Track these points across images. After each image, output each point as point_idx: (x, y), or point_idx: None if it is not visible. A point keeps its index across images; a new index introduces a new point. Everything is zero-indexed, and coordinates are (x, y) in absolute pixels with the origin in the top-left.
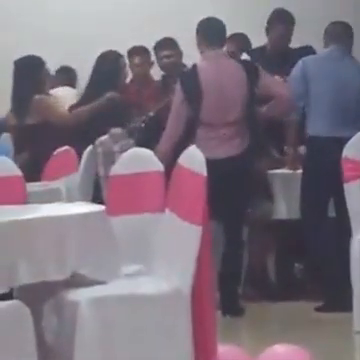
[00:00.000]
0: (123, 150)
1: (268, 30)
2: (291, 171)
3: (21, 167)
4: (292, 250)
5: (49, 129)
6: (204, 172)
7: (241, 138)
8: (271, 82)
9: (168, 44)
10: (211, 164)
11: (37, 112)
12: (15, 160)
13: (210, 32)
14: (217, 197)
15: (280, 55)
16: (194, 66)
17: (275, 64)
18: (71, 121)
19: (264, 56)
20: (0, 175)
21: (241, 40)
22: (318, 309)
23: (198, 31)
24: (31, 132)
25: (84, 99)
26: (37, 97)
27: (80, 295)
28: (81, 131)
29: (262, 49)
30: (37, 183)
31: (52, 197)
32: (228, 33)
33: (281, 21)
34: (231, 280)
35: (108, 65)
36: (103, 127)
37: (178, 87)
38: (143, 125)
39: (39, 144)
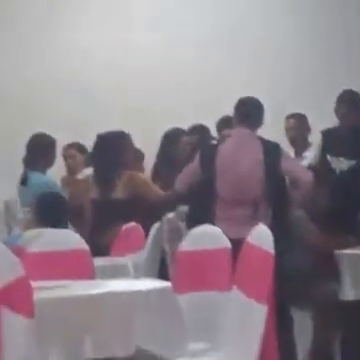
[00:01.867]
0: (190, 227)
1: (336, 110)
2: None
3: (110, 240)
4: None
5: (141, 204)
6: (272, 250)
7: (259, 220)
8: (292, 165)
9: (230, 122)
10: None
11: (129, 187)
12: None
13: (239, 110)
14: None
15: (351, 134)
16: (218, 142)
17: (346, 144)
18: (163, 200)
19: (336, 136)
20: (68, 249)
21: (300, 119)
22: None
23: (234, 108)
24: (122, 206)
25: (156, 174)
26: (128, 173)
27: None
28: (149, 208)
29: (335, 129)
30: (104, 258)
31: (119, 273)
32: (290, 111)
33: (343, 101)
34: None
35: (172, 144)
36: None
37: (197, 156)
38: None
39: (131, 219)
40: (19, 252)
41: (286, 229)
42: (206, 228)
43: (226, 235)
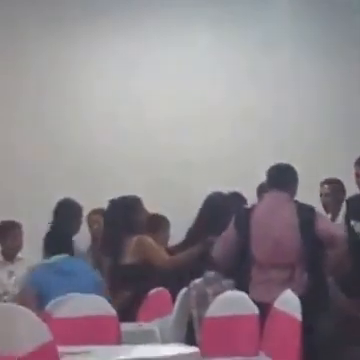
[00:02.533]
0: (216, 293)
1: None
2: None
3: (121, 306)
4: None
5: (148, 269)
6: (299, 316)
7: (295, 283)
8: (326, 225)
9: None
10: (262, 308)
11: (137, 252)
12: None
13: (272, 176)
14: None
15: None
16: (252, 206)
17: None
18: (169, 265)
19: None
20: (95, 314)
21: (335, 185)
22: None
23: (267, 173)
24: (132, 272)
25: (186, 242)
26: (137, 237)
27: None
28: (177, 273)
29: (358, 196)
30: (132, 323)
31: (146, 338)
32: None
33: (358, 165)
34: None
35: (211, 209)
36: (198, 269)
37: (232, 222)
38: None
39: (140, 284)
40: (47, 317)
41: (323, 293)
42: (233, 294)
43: (262, 299)
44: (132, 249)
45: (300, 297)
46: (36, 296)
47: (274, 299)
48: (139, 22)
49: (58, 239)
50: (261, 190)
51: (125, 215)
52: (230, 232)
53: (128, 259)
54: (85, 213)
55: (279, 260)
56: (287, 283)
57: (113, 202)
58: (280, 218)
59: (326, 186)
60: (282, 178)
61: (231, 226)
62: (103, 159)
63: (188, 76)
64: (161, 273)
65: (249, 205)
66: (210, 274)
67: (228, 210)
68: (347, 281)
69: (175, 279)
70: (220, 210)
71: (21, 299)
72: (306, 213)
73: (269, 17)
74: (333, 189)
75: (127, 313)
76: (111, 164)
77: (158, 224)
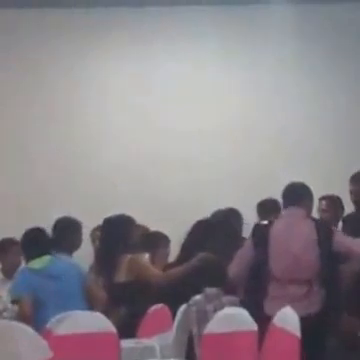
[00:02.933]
0: (216, 309)
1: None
2: None
3: (117, 323)
4: None
5: (144, 287)
6: (298, 332)
7: (312, 299)
8: (344, 240)
9: (272, 206)
10: None
11: (130, 270)
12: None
13: (287, 193)
14: None
15: None
16: (269, 222)
17: None
18: (163, 282)
19: (355, 220)
20: (95, 331)
21: (333, 201)
22: None
23: (282, 191)
24: (124, 290)
25: (180, 258)
26: (130, 256)
27: None
28: (176, 289)
29: (354, 214)
30: (131, 340)
31: (146, 355)
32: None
33: (353, 182)
34: None
35: (202, 225)
36: (198, 286)
37: (249, 238)
38: None
39: (134, 302)
40: (47, 334)
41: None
42: (233, 310)
43: None
44: (126, 268)
45: (316, 313)
46: (32, 303)
47: None
48: (149, 39)
49: (35, 241)
50: (261, 208)
51: (119, 233)
52: (247, 249)
53: (122, 277)
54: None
55: (297, 276)
56: (304, 299)
57: (108, 221)
58: (299, 234)
59: (324, 202)
60: (298, 195)
61: (249, 243)
62: (108, 175)
63: (197, 94)
64: (158, 290)
65: (266, 221)
66: (211, 290)
67: (220, 226)
68: (349, 298)
69: (174, 296)
70: (210, 226)
71: (21, 309)
72: (324, 229)
73: (278, 35)
74: (331, 205)
75: (123, 331)
76: (117, 180)
77: (157, 241)
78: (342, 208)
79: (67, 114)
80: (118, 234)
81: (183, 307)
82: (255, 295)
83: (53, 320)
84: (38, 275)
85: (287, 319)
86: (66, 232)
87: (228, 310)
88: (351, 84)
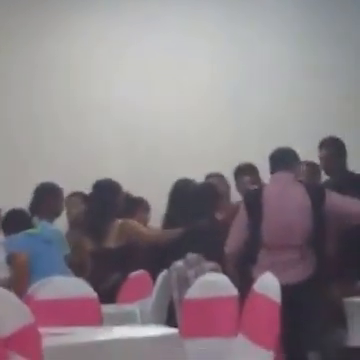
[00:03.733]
0: (198, 275)
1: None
2: None
3: (108, 289)
4: None
5: (134, 252)
6: (278, 299)
7: (305, 264)
8: (340, 201)
9: (248, 169)
10: None
11: (122, 236)
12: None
13: (275, 157)
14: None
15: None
16: (260, 187)
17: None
18: (158, 240)
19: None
20: (76, 296)
21: (310, 167)
22: None
23: (270, 156)
24: (115, 255)
25: (163, 228)
26: (121, 221)
27: None
28: (157, 255)
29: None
30: (112, 305)
31: (127, 320)
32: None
33: (322, 148)
34: None
35: (180, 195)
36: (179, 252)
37: (242, 205)
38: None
39: (126, 267)
40: (28, 300)
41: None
42: (213, 276)
43: None
44: (117, 233)
45: (308, 279)
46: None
47: (283, 281)
48: (138, 7)
49: (16, 217)
50: (238, 172)
51: (109, 198)
52: (241, 218)
53: (113, 243)
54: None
55: (290, 241)
56: (297, 264)
57: (97, 185)
58: (292, 199)
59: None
60: (286, 159)
61: (242, 211)
62: (91, 145)
63: (183, 66)
64: (147, 256)
65: (256, 186)
66: (192, 256)
67: (198, 195)
68: (329, 266)
69: (158, 262)
70: (189, 195)
71: (17, 262)
72: (317, 192)
73: (267, 9)
74: (307, 171)
75: (113, 296)
76: (97, 150)
77: (137, 206)
78: (319, 174)
79: (46, 81)
80: (108, 199)
81: (163, 273)
82: (244, 263)
83: (35, 285)
84: (35, 238)
85: (267, 285)
86: (47, 197)
87: (209, 276)
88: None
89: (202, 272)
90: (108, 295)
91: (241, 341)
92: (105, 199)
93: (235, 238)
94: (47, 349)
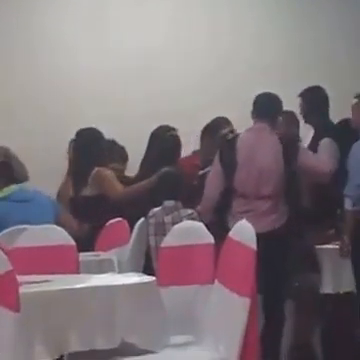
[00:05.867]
0: (175, 222)
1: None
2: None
3: (80, 238)
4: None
5: (106, 201)
6: (254, 245)
7: (278, 214)
8: (311, 159)
9: (224, 122)
10: None
11: (95, 184)
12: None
13: (257, 105)
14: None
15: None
16: (235, 137)
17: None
18: (123, 198)
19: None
20: (54, 244)
21: (288, 116)
22: None
23: (253, 102)
24: (88, 204)
25: (139, 175)
26: (96, 169)
27: None
28: (135, 203)
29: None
30: (90, 253)
31: (104, 267)
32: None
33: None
34: (270, 356)
35: (158, 142)
36: (157, 199)
37: (217, 155)
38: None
39: (98, 216)
40: (3, 247)
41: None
42: (190, 224)
43: None
44: (91, 181)
45: (280, 228)
46: None
47: (257, 230)
48: None
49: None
50: (214, 127)
51: (89, 147)
52: (216, 167)
53: (87, 191)
54: None
55: (262, 191)
56: (269, 214)
57: (79, 134)
58: (265, 150)
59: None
60: (266, 109)
61: (216, 161)
62: (67, 92)
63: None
64: (118, 205)
65: (231, 136)
66: (169, 203)
67: (173, 142)
68: (303, 214)
69: (134, 211)
70: (166, 142)
71: None
72: (290, 145)
73: None
74: (285, 120)
75: (86, 244)
76: (75, 98)
77: (115, 153)
78: (297, 123)
79: (25, 29)
80: (87, 147)
81: (141, 220)
82: (220, 212)
83: (6, 232)
84: (3, 201)
85: (243, 232)
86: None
87: (186, 223)
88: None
89: (179, 219)
90: (84, 243)
91: (217, 289)
92: (87, 147)
93: (210, 187)
94: (23, 296)
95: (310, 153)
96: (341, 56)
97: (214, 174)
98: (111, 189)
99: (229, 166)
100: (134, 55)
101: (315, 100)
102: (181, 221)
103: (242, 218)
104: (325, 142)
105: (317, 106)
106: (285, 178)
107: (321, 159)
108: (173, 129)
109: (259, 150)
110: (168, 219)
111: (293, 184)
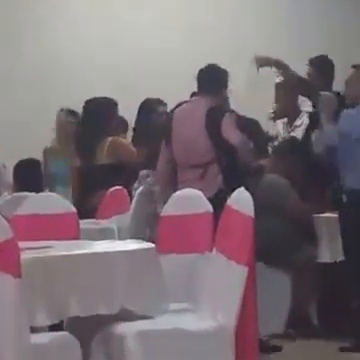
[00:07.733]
0: (147, 190)
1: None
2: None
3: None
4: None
5: (123, 169)
6: (252, 213)
7: (207, 183)
8: (225, 128)
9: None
10: None
11: (112, 153)
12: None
13: (197, 79)
14: None
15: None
16: (172, 111)
17: None
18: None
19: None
20: (55, 212)
21: None
22: (343, 349)
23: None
24: (104, 172)
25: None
26: (111, 138)
27: (127, 329)
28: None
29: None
30: (90, 220)
31: (105, 235)
32: None
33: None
34: None
35: (145, 113)
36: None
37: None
38: None
39: (115, 184)
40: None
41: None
42: (188, 192)
43: None
44: (107, 150)
45: (210, 198)
46: None
47: None
48: None
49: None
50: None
51: (102, 115)
52: (162, 144)
53: (103, 159)
54: None
55: (191, 161)
56: (198, 182)
57: (90, 102)
58: (190, 121)
59: None
60: (202, 82)
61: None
62: (70, 63)
63: None
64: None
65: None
66: (143, 172)
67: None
68: (300, 185)
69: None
70: (154, 114)
71: None
72: (214, 115)
73: None
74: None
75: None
76: (79, 69)
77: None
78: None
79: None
80: (100, 116)
81: (141, 188)
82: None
83: (6, 200)
84: None
85: (241, 201)
86: None
87: (184, 191)
88: None
89: (148, 187)
90: (94, 211)
91: (216, 257)
92: (98, 115)
93: (160, 161)
94: (25, 262)
95: (230, 126)
96: None
97: (161, 149)
98: (133, 154)
99: (168, 138)
100: None
101: (317, 70)
102: (150, 188)
103: (184, 187)
104: None
105: (319, 76)
106: (212, 147)
107: (231, 130)
108: (162, 103)
109: (185, 122)
110: (157, 187)
111: (225, 152)
